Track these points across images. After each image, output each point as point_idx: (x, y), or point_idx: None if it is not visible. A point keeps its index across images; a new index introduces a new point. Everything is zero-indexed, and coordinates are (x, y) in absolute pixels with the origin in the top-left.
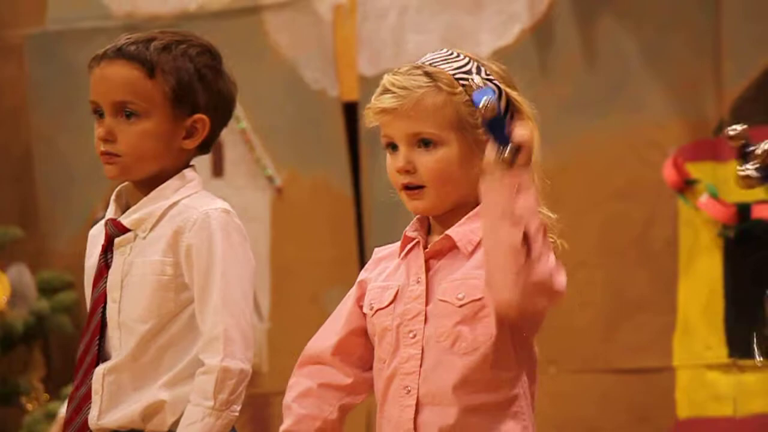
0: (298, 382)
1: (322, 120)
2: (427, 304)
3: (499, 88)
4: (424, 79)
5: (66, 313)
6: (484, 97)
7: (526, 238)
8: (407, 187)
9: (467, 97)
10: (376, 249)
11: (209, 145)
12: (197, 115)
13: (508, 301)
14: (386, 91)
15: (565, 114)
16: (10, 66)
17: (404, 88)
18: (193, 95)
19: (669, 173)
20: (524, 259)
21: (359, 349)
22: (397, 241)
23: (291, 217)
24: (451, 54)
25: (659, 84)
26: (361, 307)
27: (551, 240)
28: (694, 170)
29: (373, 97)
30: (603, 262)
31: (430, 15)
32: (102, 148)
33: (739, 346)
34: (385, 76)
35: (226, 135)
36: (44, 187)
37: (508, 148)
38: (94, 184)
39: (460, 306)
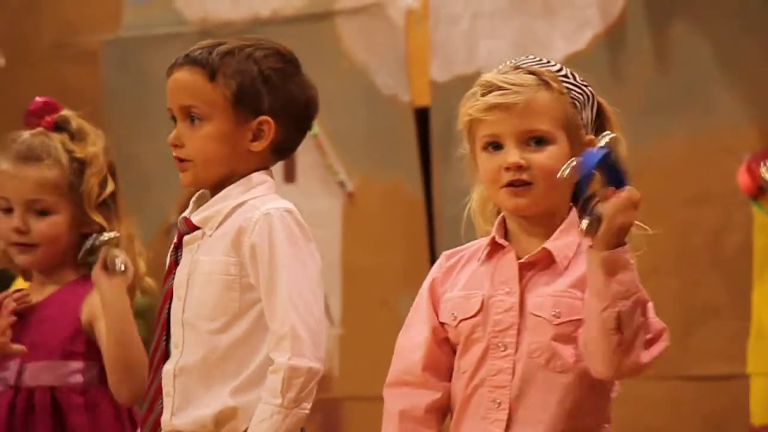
0: (394, 403)
1: (393, 125)
2: (519, 316)
3: (592, 95)
4: (533, 77)
5: (140, 317)
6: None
7: (619, 322)
8: (513, 184)
9: (570, 99)
10: (444, 253)
11: (286, 150)
12: (262, 117)
13: (601, 374)
14: (497, 87)
15: (638, 119)
16: (86, 72)
17: (518, 84)
18: (256, 98)
19: (743, 179)
20: (616, 343)
21: (447, 359)
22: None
23: (362, 223)
24: (541, 60)
25: (733, 89)
26: (437, 315)
27: (636, 255)
28: None
29: (477, 95)
30: (677, 268)
31: (502, 20)
32: (174, 154)
33: None
34: (488, 75)
35: None
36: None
37: (589, 220)
38: (167, 191)
39: (557, 324)
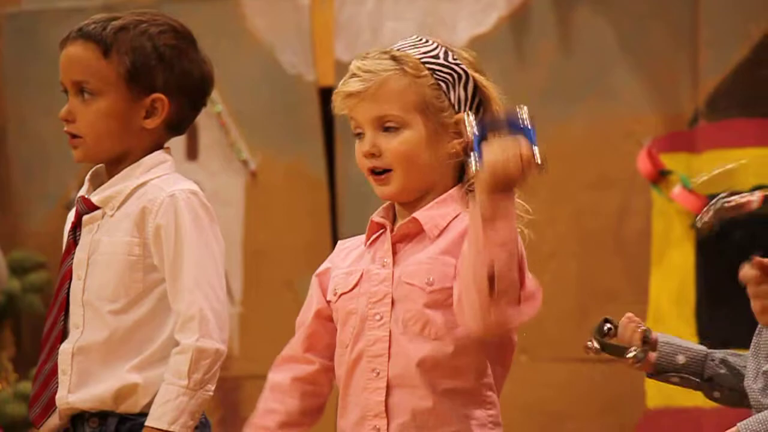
0: (271, 378)
1: (297, 105)
2: (392, 286)
3: (466, 73)
4: (390, 62)
5: (37, 293)
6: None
7: (491, 271)
8: (374, 172)
9: (433, 81)
10: (339, 241)
11: (181, 126)
12: (155, 95)
13: (471, 329)
14: (353, 75)
15: (541, 103)
16: None
17: (369, 71)
18: (149, 75)
19: (643, 164)
20: (487, 293)
21: (326, 337)
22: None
23: (265, 202)
24: (420, 40)
25: (636, 74)
26: (325, 296)
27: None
28: (669, 161)
29: (341, 82)
30: (576, 251)
31: (407, 2)
32: (65, 129)
33: (709, 337)
34: (353, 61)
35: (201, 118)
36: (18, 167)
37: (475, 158)
38: (68, 165)
39: (430, 292)
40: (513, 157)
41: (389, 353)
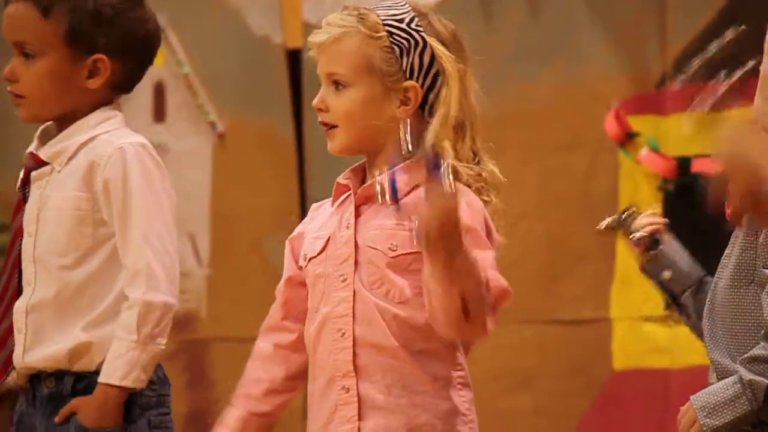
0: (256, 346)
1: (265, 66)
2: (356, 248)
3: (424, 41)
4: (352, 19)
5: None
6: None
7: (465, 304)
8: (325, 127)
9: (387, 43)
10: (314, 204)
11: (129, 85)
12: (97, 55)
13: (445, 336)
14: (321, 27)
15: (508, 64)
16: None
17: (331, 24)
18: (89, 35)
19: (611, 126)
20: (465, 322)
21: (301, 303)
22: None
23: (233, 164)
24: (399, 2)
25: (604, 36)
26: (296, 262)
27: (487, 199)
28: (636, 123)
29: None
30: (544, 213)
31: None
32: (8, 89)
33: None
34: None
35: (169, 80)
36: None
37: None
38: (31, 127)
39: (393, 257)
40: (439, 221)
41: (354, 313)
